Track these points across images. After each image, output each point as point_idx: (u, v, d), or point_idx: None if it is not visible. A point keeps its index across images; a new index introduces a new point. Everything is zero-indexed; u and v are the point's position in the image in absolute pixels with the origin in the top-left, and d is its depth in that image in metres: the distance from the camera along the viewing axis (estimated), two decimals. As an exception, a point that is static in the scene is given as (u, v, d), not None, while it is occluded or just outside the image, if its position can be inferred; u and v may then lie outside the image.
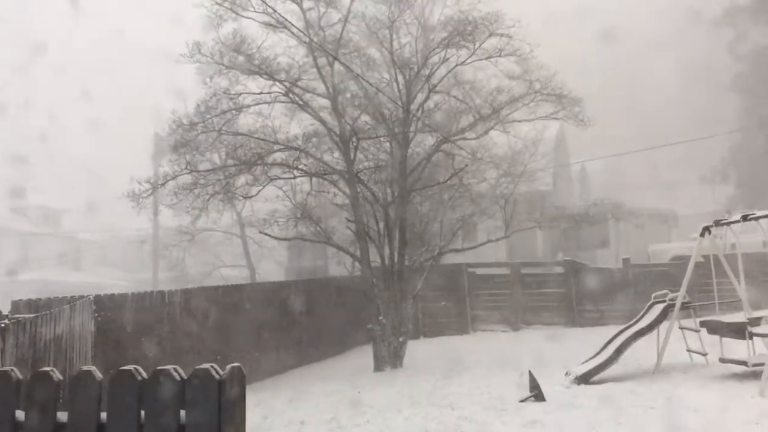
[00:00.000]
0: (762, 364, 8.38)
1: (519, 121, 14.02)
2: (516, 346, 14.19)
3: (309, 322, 14.38)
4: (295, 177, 13.50)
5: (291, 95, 12.91)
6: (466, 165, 13.60)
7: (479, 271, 17.76)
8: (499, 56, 13.24)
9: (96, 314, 9.42)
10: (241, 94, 12.71)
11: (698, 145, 32.08)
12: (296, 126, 13.49)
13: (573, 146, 32.24)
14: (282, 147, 12.73)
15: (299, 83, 12.85)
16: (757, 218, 9.33)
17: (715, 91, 34.06)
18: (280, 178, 13.42)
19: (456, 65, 13.48)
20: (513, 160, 14.56)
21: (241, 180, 12.82)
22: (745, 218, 9.57)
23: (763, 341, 9.14)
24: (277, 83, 12.68)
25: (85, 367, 2.59)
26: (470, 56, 13.37)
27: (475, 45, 13.16)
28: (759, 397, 7.91)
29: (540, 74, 13.25)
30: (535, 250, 25.48)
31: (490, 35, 13.03)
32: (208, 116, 12.53)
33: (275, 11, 11.97)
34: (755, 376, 8.53)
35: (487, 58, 13.41)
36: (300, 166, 12.99)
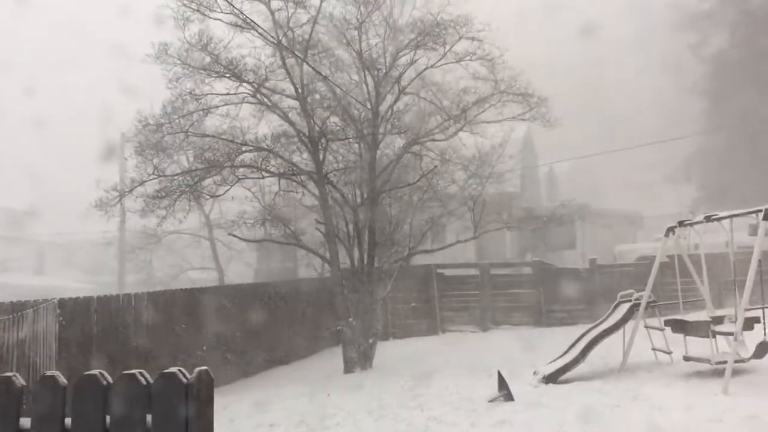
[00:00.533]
0: (725, 362, 8.54)
1: (487, 123, 14.12)
2: (485, 347, 14.28)
3: (278, 324, 14.29)
4: (263, 177, 13.43)
5: (259, 96, 12.83)
6: (435, 166, 13.65)
7: (448, 272, 17.83)
8: (470, 60, 13.34)
9: (60, 318, 9.25)
10: (207, 94, 12.59)
11: (663, 147, 32.63)
12: (265, 127, 13.42)
13: (540, 148, 32.56)
14: (250, 148, 12.64)
15: (267, 84, 12.78)
16: (720, 219, 9.51)
17: (680, 93, 34.66)
18: (248, 178, 13.33)
19: (426, 68, 13.53)
20: (481, 162, 14.63)
21: (209, 181, 12.71)
22: (708, 219, 9.76)
23: (726, 339, 9.33)
24: (245, 84, 12.59)
25: (48, 372, 2.54)
26: (440, 59, 13.45)
27: (444, 48, 13.24)
28: (722, 394, 8.06)
29: (505, 74, 13.37)
30: (504, 251, 25.66)
31: (460, 38, 13.11)
32: (175, 117, 12.39)
33: (242, 12, 11.90)
34: (719, 373, 8.69)
35: (457, 62, 13.49)
36: (268, 167, 12.92)
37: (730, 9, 31.81)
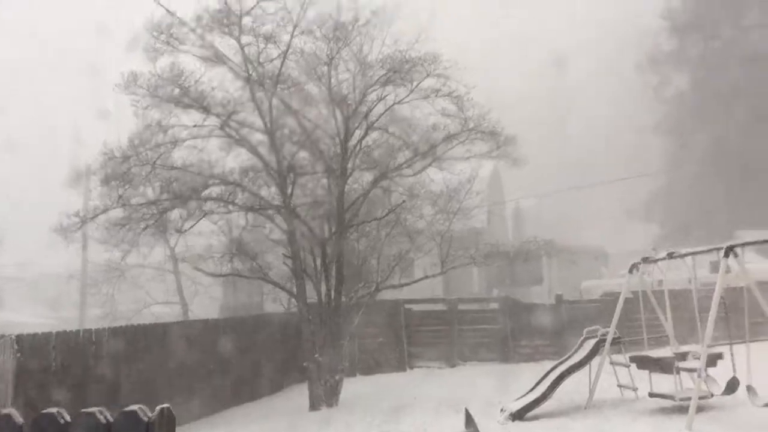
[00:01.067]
0: (689, 399, 8.62)
1: (455, 159, 14.24)
2: (452, 383, 14.22)
3: (244, 360, 14.06)
4: (230, 212, 13.33)
5: (227, 129, 12.81)
6: (404, 201, 13.70)
7: (416, 307, 17.78)
8: (437, 96, 13.50)
9: (18, 354, 8.99)
10: (174, 126, 12.53)
11: (627, 184, 33.26)
12: (232, 160, 13.36)
13: (507, 184, 32.98)
14: (218, 181, 12.58)
15: (236, 117, 12.77)
16: (682, 256, 9.68)
17: (643, 132, 35.52)
18: (215, 213, 13.23)
19: (394, 104, 13.65)
20: (449, 198, 14.71)
21: (175, 214, 12.58)
22: (670, 256, 9.92)
23: (690, 376, 9.42)
24: (213, 117, 12.57)
25: (4, 410, 2.46)
26: (408, 95, 13.59)
27: (412, 84, 13.39)
28: (686, 430, 8.12)
29: (474, 112, 13.54)
30: (471, 286, 25.77)
31: (428, 75, 13.28)
32: (142, 149, 12.29)
33: (213, 46, 11.93)
34: (682, 410, 8.77)
35: (424, 98, 13.64)
36: (236, 201, 12.85)
37: (688, 52, 32.83)
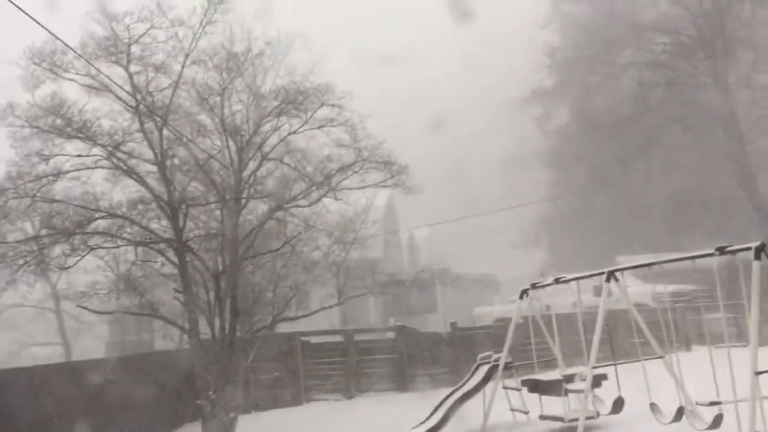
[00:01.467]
0: (577, 419, 8.95)
1: (350, 189, 14.34)
2: (349, 415, 14.15)
3: (132, 400, 13.37)
4: (118, 246, 12.82)
5: (114, 160, 12.35)
6: (299, 233, 13.64)
7: (313, 339, 17.61)
8: (331, 126, 13.60)
9: None
10: (56, 155, 11.96)
11: (514, 213, 34.47)
12: (120, 192, 12.87)
13: (402, 214, 33.42)
14: (104, 215, 12.07)
15: (124, 148, 12.34)
16: (567, 281, 10.12)
17: (529, 162, 37.02)
18: (101, 248, 12.68)
19: (288, 134, 13.64)
20: (345, 228, 14.80)
21: (57, 250, 11.94)
22: (557, 281, 10.35)
23: (577, 397, 9.80)
24: (98, 147, 12.10)
25: None
26: (302, 125, 13.63)
27: (307, 115, 13.44)
28: (575, 450, 8.41)
29: (368, 142, 13.73)
30: (368, 316, 25.80)
31: (322, 105, 13.37)
32: (21, 181, 11.64)
33: (99, 73, 11.54)
34: (571, 430, 9.08)
35: (318, 128, 13.71)
36: (124, 235, 12.36)
37: (568, 87, 34.65)
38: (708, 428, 7.53)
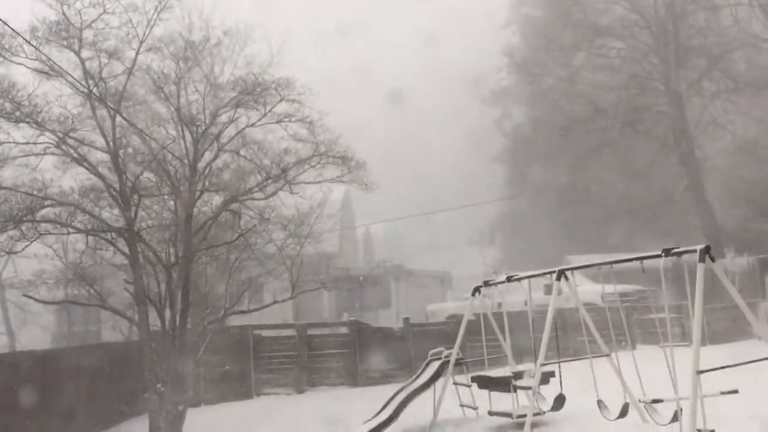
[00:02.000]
0: (524, 416, 9.10)
1: (306, 183, 14.29)
2: (300, 409, 14.12)
3: (77, 392, 13.10)
4: (68, 233, 12.54)
5: (64, 147, 12.07)
6: (254, 225, 13.54)
7: (265, 333, 17.52)
8: (290, 121, 13.53)
9: None
10: (3, 143, 11.62)
11: (469, 212, 34.84)
12: (71, 180, 12.57)
13: (358, 209, 33.44)
14: (54, 202, 11.78)
15: (75, 135, 12.06)
16: (519, 279, 10.26)
17: (485, 162, 37.43)
18: (51, 234, 12.38)
19: (246, 126, 13.53)
20: (300, 222, 14.71)
21: (4, 236, 11.61)
22: (509, 279, 10.49)
23: (526, 393, 9.96)
24: (48, 133, 11.80)
25: None
26: (260, 119, 13.53)
27: (265, 108, 13.34)
28: (522, 446, 8.56)
29: (325, 137, 13.70)
30: (322, 310, 25.75)
31: (281, 100, 13.28)
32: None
33: (50, 59, 11.25)
34: (519, 426, 9.24)
35: (277, 122, 13.63)
36: (74, 223, 12.09)
37: (526, 88, 35.08)
38: (670, 422, 7.70)
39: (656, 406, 7.89)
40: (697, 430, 6.82)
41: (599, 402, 8.56)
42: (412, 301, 25.92)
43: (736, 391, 7.40)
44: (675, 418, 7.60)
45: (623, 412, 8.25)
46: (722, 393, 7.34)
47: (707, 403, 7.25)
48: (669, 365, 7.12)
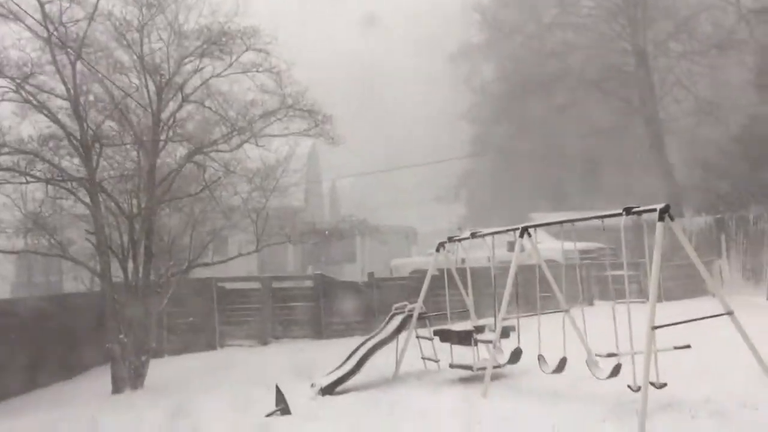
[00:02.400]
0: (485, 368, 9.31)
1: (273, 136, 14.16)
2: (264, 361, 14.22)
3: (38, 343, 13.01)
4: (27, 182, 12.27)
5: (23, 93, 11.73)
6: (219, 178, 13.41)
7: (229, 285, 17.52)
8: (257, 71, 13.32)
9: None
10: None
11: (436, 168, 34.93)
12: (29, 127, 12.26)
13: (324, 164, 33.33)
14: (11, 150, 11.49)
15: (33, 81, 11.72)
16: (483, 236, 10.38)
17: (452, 119, 37.42)
18: (9, 183, 12.11)
19: (211, 77, 13.29)
20: (266, 175, 14.60)
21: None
22: (473, 235, 10.61)
23: (486, 347, 10.18)
24: (5, 78, 11.45)
25: None
26: (226, 69, 13.30)
27: (231, 58, 13.11)
28: (482, 398, 8.77)
29: (293, 89, 13.54)
30: (286, 264, 25.84)
31: (247, 49, 13.05)
32: None
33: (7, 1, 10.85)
34: (479, 379, 9.45)
35: (243, 72, 13.42)
36: (33, 172, 11.83)
37: (496, 45, 34.95)
38: (608, 377, 7.99)
39: (598, 360, 8.18)
40: (650, 383, 7.06)
41: (539, 356, 8.86)
42: (377, 255, 26.12)
43: (688, 346, 7.68)
44: (615, 372, 7.89)
45: (560, 367, 8.55)
46: (675, 348, 7.61)
47: (661, 357, 7.52)
48: (613, 321, 7.32)
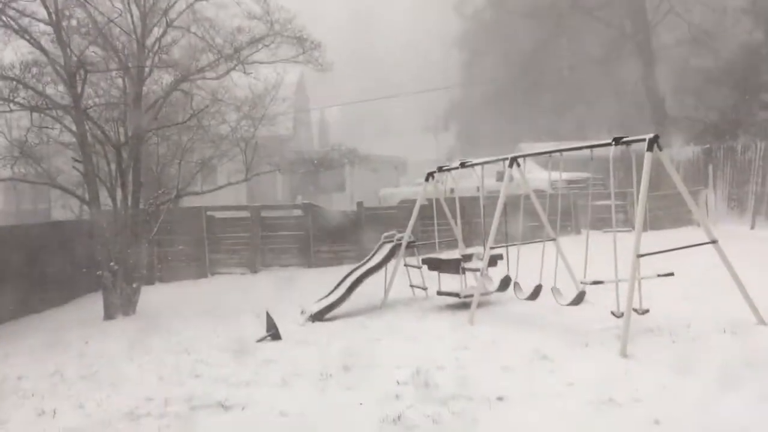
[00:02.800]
0: (472, 296, 9.50)
1: (260, 63, 13.92)
2: (254, 288, 14.41)
3: (27, 270, 13.07)
4: (11, 111, 12.08)
5: (5, 18, 11.42)
6: (207, 106, 13.25)
7: (218, 214, 17.58)
8: (242, -4, 13.00)
9: None
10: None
11: (425, 97, 34.60)
12: (12, 53, 11.97)
13: (313, 93, 32.94)
14: (-6, 76, 11.27)
15: (15, 5, 11.39)
16: (472, 166, 10.40)
17: (443, 47, 36.84)
18: (-8, 110, 11.93)
19: (195, 1, 12.95)
20: (254, 103, 14.44)
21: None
22: (462, 165, 10.63)
23: (473, 275, 10.35)
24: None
25: None
26: (212, -9, 12.96)
27: (216, -20, 12.77)
28: (469, 324, 8.98)
29: (280, 15, 13.25)
30: (275, 193, 25.85)
31: (233, -28, 12.71)
32: None
33: None
34: (466, 306, 9.65)
35: (229, -4, 13.09)
36: (17, 99, 11.64)
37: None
38: (569, 304, 8.24)
39: (560, 288, 8.43)
40: (633, 309, 7.24)
41: (515, 284, 9.12)
42: (366, 185, 26.15)
43: (672, 274, 7.84)
44: (577, 300, 8.14)
45: (534, 294, 8.84)
46: (659, 276, 7.77)
47: (644, 285, 7.69)
48: (585, 249, 7.45)
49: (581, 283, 8.21)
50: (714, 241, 7.79)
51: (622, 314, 7.15)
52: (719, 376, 5.89)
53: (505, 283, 9.63)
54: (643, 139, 7.49)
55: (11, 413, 6.41)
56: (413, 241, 11.32)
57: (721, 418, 5.06)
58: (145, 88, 12.43)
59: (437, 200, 11.43)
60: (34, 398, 6.83)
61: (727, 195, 21.17)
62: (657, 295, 8.16)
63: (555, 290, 8.46)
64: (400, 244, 11.07)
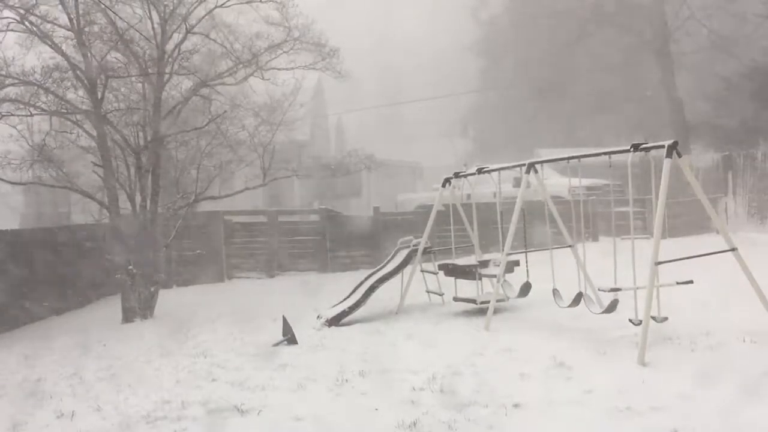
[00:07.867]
0: (488, 302, 9.46)
1: (278, 69, 14.00)
2: (271, 293, 14.45)
3: (47, 273, 13.21)
4: (32, 115, 12.22)
5: (27, 23, 11.57)
6: (225, 111, 13.34)
7: (236, 218, 17.67)
8: (261, 2, 13.08)
9: None
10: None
11: (442, 103, 34.58)
12: (34, 58, 12.12)
13: (330, 98, 33.01)
14: (16, 81, 11.41)
15: (37, 11, 11.53)
16: (490, 171, 10.38)
17: (460, 52, 36.80)
18: (14, 115, 12.07)
19: (215, 7, 13.04)
20: (272, 109, 14.52)
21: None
22: (479, 171, 10.60)
23: (490, 281, 10.32)
24: (10, 9, 11.27)
25: None
26: (231, -1, 13.05)
27: (236, -14, 12.85)
28: (484, 330, 8.94)
29: (299, 22, 13.33)
30: (293, 198, 25.94)
31: (251, -22, 12.78)
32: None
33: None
34: (482, 312, 9.61)
35: (247, 2, 13.17)
36: (38, 104, 11.78)
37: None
38: (603, 312, 8.12)
39: (598, 295, 8.27)
40: (652, 317, 7.18)
41: (554, 290, 8.94)
42: (383, 190, 26.18)
43: (691, 282, 7.77)
44: (611, 308, 8.02)
45: (576, 301, 8.62)
46: (678, 283, 7.69)
47: (663, 292, 7.62)
48: (613, 257, 7.40)
49: (599, 290, 8.14)
50: (734, 249, 7.71)
51: (640, 322, 7.10)
52: (739, 384, 5.81)
53: (525, 289, 9.58)
54: (662, 146, 7.43)
55: (30, 415, 6.48)
56: (429, 247, 11.30)
57: (741, 427, 5.00)
58: (164, 93, 12.54)
59: (454, 206, 11.41)
60: (53, 400, 6.89)
61: (747, 202, 20.96)
62: (676, 302, 8.08)
63: (587, 298, 8.38)
64: (416, 250, 11.07)
